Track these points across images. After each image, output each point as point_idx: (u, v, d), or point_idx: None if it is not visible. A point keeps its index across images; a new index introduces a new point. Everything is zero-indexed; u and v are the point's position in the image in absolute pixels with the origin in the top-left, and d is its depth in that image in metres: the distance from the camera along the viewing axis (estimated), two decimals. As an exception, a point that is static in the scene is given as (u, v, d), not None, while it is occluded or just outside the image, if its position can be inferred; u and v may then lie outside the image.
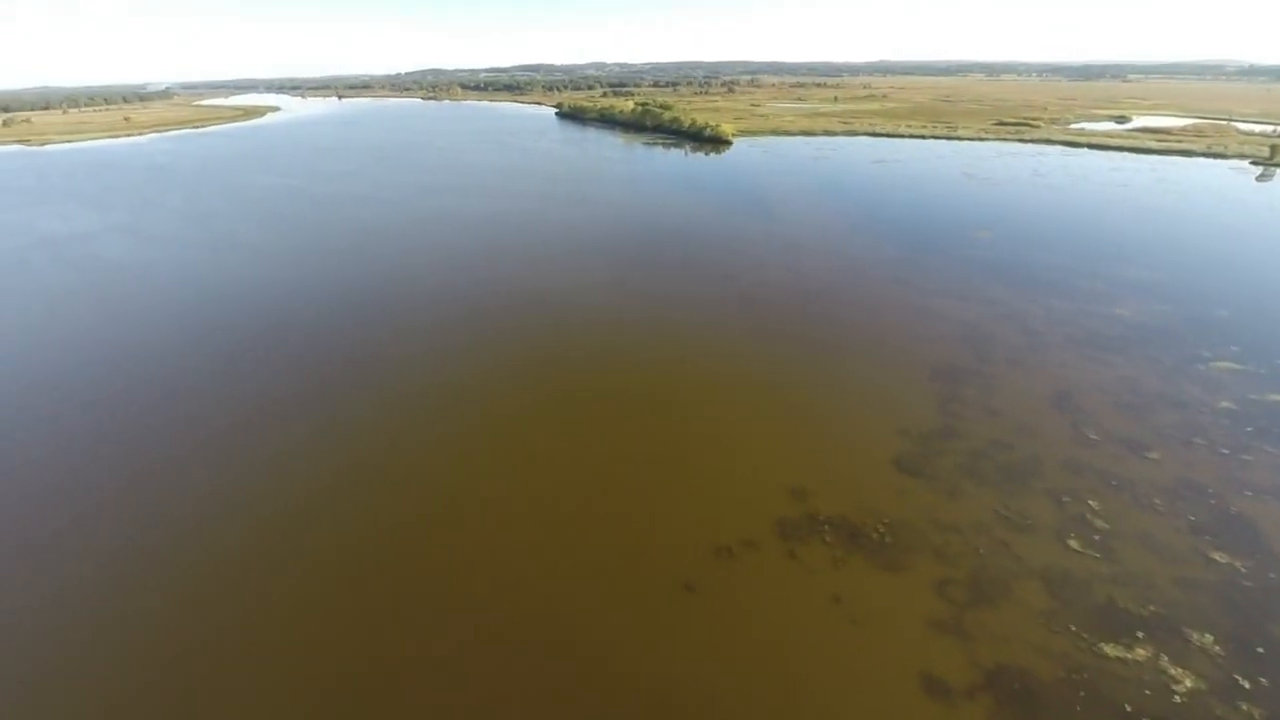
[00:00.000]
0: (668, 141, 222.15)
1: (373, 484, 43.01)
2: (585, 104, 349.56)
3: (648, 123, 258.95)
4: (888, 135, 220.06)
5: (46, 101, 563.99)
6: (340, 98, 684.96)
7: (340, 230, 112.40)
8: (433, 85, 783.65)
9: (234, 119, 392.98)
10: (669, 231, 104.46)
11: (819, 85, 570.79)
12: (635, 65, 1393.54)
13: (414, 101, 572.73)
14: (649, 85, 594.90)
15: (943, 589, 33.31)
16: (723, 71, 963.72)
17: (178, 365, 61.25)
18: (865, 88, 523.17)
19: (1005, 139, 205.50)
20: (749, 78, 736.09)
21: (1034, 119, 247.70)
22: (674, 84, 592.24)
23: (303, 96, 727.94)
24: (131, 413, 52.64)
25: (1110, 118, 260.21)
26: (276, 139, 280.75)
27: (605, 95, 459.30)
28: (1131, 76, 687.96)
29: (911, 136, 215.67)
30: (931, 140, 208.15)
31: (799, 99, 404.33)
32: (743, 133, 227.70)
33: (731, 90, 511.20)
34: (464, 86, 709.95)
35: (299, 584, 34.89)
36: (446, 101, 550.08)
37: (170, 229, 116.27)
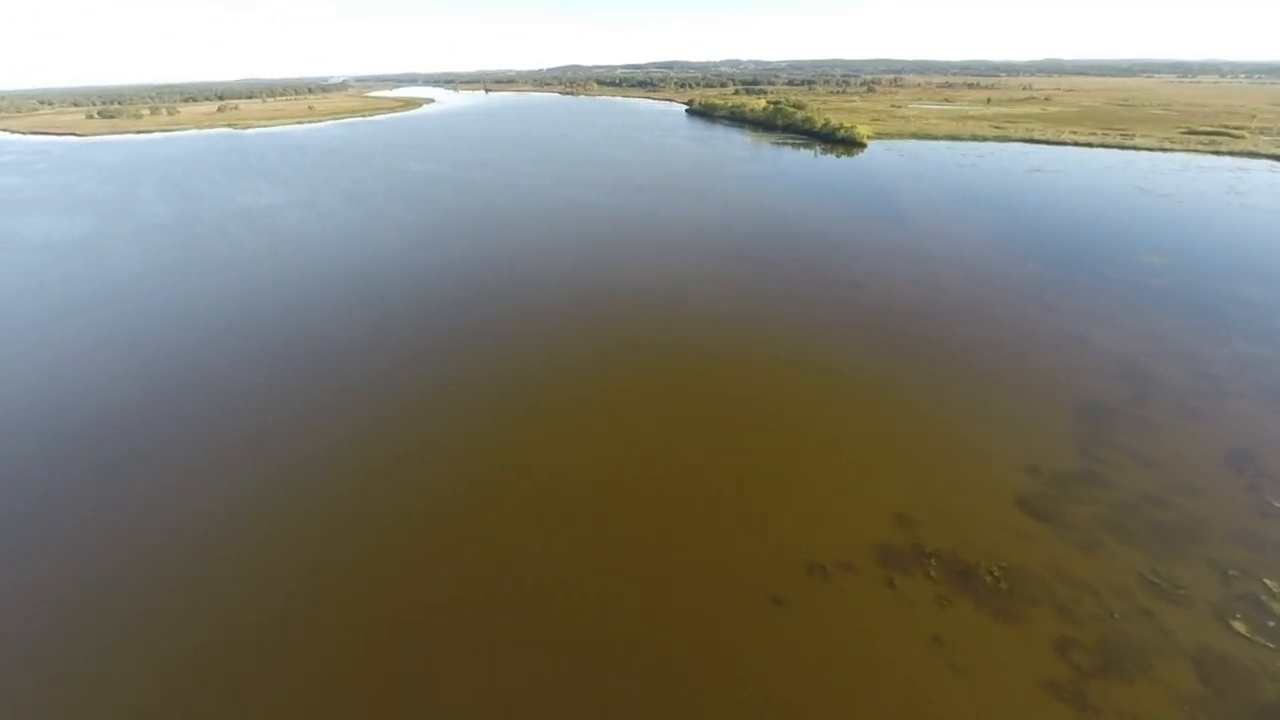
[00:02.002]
0: (797, 142, 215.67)
1: (462, 456, 46.10)
2: (716, 101, 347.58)
3: (778, 122, 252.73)
4: (1047, 142, 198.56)
5: (251, 91, 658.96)
6: (487, 91, 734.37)
7: (475, 214, 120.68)
8: (571, 80, 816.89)
9: (395, 109, 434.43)
10: (789, 234, 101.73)
11: (970, 86, 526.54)
12: (771, 62, 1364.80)
13: (553, 96, 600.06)
14: (783, 83, 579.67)
15: (1065, 650, 30.04)
16: (864, 70, 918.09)
17: (325, 326, 69.19)
18: (1025, 89, 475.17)
19: (1195, 150, 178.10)
20: (891, 77, 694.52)
21: (1236, 127, 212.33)
22: (810, 82, 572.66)
23: (455, 89, 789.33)
24: (284, 361, 60.43)
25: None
26: (429, 128, 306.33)
27: (737, 93, 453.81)
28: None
29: (1075, 144, 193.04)
30: (1100, 149, 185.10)
31: (946, 100, 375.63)
32: (879, 135, 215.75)
33: (871, 90, 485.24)
34: (600, 82, 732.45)
35: (370, 547, 38.39)
36: (582, 96, 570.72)
37: (336, 206, 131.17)
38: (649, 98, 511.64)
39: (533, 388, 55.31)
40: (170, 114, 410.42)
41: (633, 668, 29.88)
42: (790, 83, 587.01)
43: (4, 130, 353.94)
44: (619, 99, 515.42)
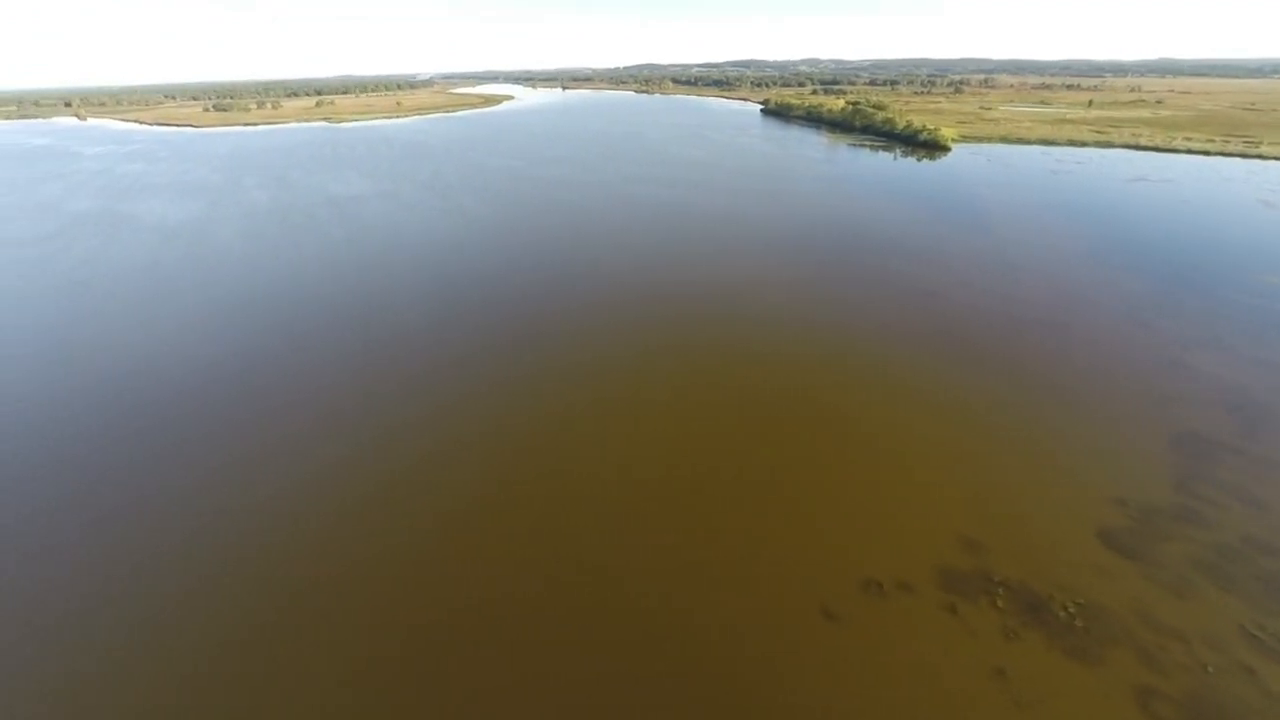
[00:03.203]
0: (876, 144, 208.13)
1: (518, 450, 47.08)
2: (792, 101, 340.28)
3: (856, 123, 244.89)
4: (1155, 149, 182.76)
5: (346, 87, 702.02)
6: (564, 89, 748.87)
7: (545, 209, 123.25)
8: (646, 79, 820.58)
9: (477, 106, 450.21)
10: (862, 237, 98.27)
11: (1069, 87, 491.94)
12: (852, 61, 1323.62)
13: (628, 94, 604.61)
14: (864, 83, 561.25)
15: (1146, 700, 27.67)
16: (952, 70, 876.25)
17: (387, 317, 72.53)
18: (1133, 90, 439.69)
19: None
20: (982, 77, 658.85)
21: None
22: (893, 82, 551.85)
23: (533, 87, 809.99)
24: (342, 350, 63.81)
25: None
26: (507, 124, 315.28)
27: (815, 93, 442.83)
28: None
29: (1189, 152, 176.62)
30: (1219, 158, 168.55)
31: (1042, 102, 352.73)
32: (965, 138, 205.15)
33: (959, 91, 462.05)
34: (675, 81, 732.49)
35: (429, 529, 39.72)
36: (657, 95, 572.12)
37: (417, 197, 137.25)
38: (723, 97, 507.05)
39: (588, 385, 55.97)
40: (274, 108, 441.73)
41: (675, 670, 29.77)
42: (872, 82, 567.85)
43: (134, 121, 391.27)
44: (693, 98, 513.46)
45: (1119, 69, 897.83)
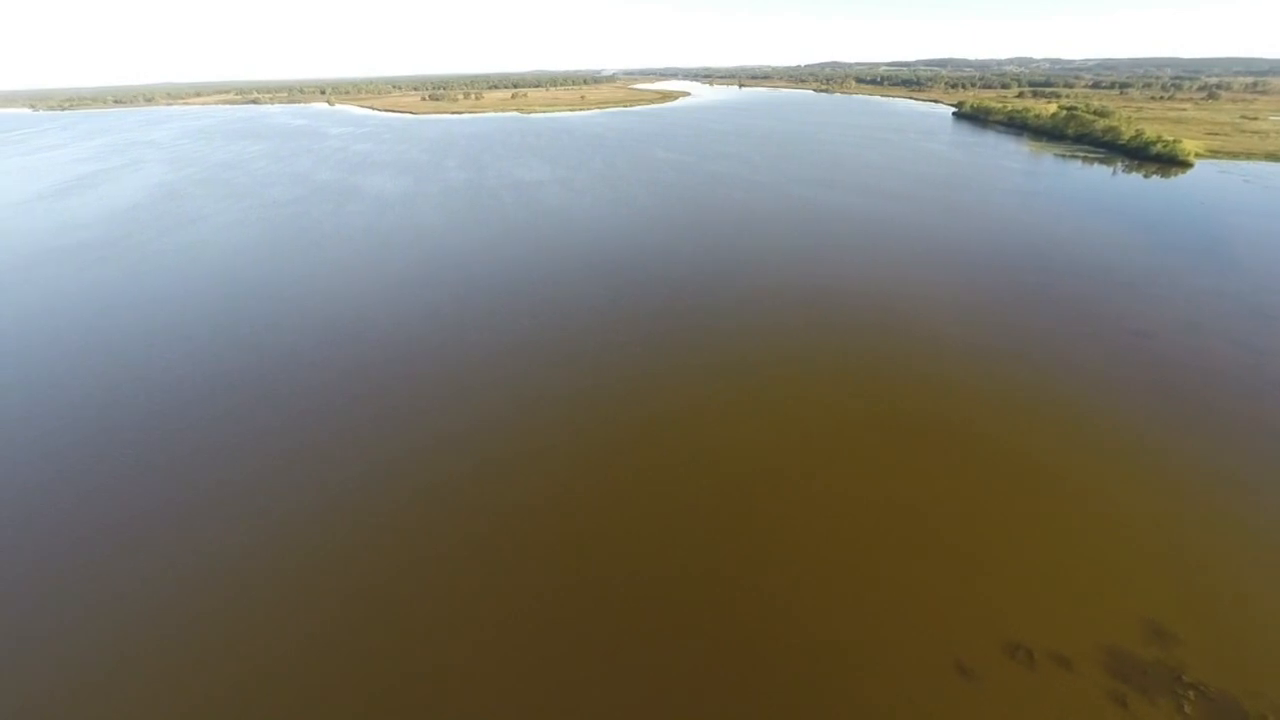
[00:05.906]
0: (1092, 155, 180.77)
1: (669, 444, 48.09)
2: (991, 104, 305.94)
3: (1069, 131, 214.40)
4: None
5: (539, 81, 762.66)
6: (741, 86, 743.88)
7: (707, 205, 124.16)
8: (827, 78, 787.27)
9: (654, 101, 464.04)
10: (1062, 261, 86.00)
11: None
12: (1072, 61, 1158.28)
13: (806, 93, 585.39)
14: (1085, 85, 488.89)
15: None
16: (1206, 70, 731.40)
17: (556, 290, 77.60)
18: None
19: None
20: (1249, 80, 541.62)
21: None
22: (1123, 85, 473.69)
23: (710, 84, 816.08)
24: (506, 317, 69.36)
25: None
26: (680, 120, 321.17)
27: (1021, 95, 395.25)
28: None
29: None
30: None
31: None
32: (1214, 153, 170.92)
33: (1213, 96, 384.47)
34: (859, 80, 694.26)
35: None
36: (837, 94, 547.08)
37: (589, 185, 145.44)
38: (912, 98, 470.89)
39: (737, 386, 55.89)
40: (477, 98, 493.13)
41: (787, 685, 29.13)
42: (1095, 85, 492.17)
43: (369, 108, 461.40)
44: (877, 98, 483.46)
45: None
